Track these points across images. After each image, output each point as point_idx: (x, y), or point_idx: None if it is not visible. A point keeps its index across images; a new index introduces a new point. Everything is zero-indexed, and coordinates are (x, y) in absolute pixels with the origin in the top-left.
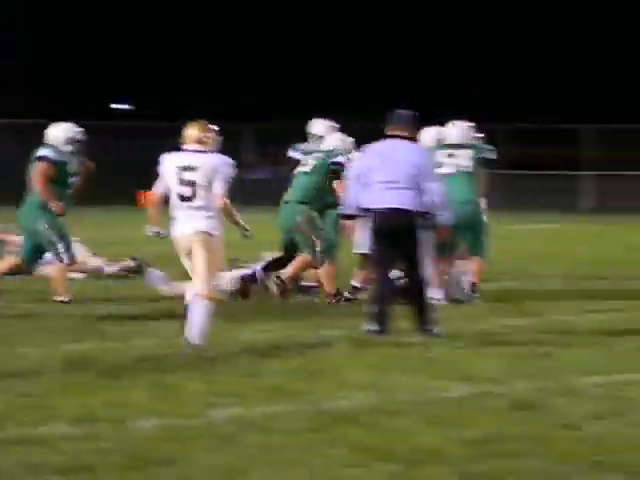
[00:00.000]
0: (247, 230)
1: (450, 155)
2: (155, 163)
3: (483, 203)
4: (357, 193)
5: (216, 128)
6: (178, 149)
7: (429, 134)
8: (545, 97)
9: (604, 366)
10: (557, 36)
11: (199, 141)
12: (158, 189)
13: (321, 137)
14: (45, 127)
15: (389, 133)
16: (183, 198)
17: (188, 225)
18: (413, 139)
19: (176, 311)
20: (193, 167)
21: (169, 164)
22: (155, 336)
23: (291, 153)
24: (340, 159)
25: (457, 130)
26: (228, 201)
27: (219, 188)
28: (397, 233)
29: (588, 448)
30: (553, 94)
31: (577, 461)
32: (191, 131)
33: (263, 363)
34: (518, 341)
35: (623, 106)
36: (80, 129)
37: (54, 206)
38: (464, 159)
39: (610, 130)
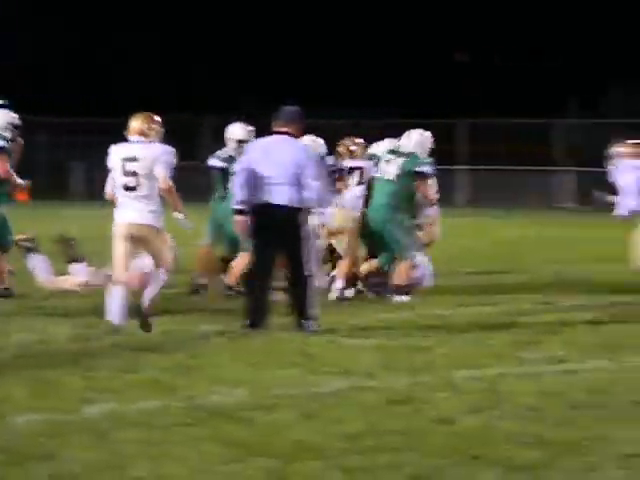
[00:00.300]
0: (184, 217)
1: (387, 161)
2: None
3: (433, 211)
4: (243, 188)
5: (159, 119)
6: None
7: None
8: (419, 92)
9: (478, 360)
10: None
11: (141, 132)
12: (110, 185)
13: (241, 142)
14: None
15: (275, 129)
16: (127, 188)
17: (130, 214)
18: (297, 136)
19: (57, 307)
20: (136, 158)
21: (114, 156)
22: (35, 332)
23: (212, 162)
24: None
25: (404, 139)
26: (173, 185)
27: (161, 172)
28: (278, 229)
29: (464, 442)
30: (427, 89)
31: (454, 455)
32: (134, 123)
33: (141, 358)
34: (395, 335)
35: (495, 101)
36: (15, 115)
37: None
38: (393, 167)
39: (485, 125)
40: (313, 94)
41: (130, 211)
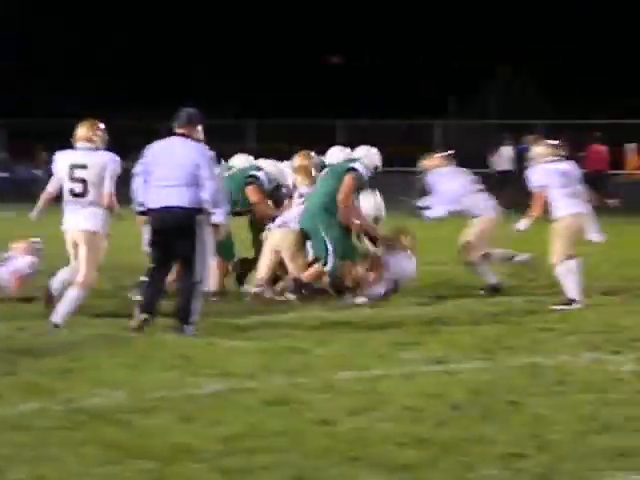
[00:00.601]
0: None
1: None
2: None
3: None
4: (142, 190)
5: (103, 126)
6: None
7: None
8: (294, 94)
9: (358, 361)
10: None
11: (88, 139)
12: (51, 186)
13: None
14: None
15: (174, 131)
16: (74, 194)
17: (75, 220)
18: (193, 137)
19: None
20: (84, 165)
21: (61, 162)
22: None
23: None
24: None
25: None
26: (114, 199)
27: (107, 186)
28: (172, 233)
29: (344, 443)
30: (302, 91)
31: (333, 456)
32: (80, 130)
33: (19, 361)
34: (273, 336)
35: (372, 102)
36: None
37: None
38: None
39: (361, 126)
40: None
41: (74, 218)
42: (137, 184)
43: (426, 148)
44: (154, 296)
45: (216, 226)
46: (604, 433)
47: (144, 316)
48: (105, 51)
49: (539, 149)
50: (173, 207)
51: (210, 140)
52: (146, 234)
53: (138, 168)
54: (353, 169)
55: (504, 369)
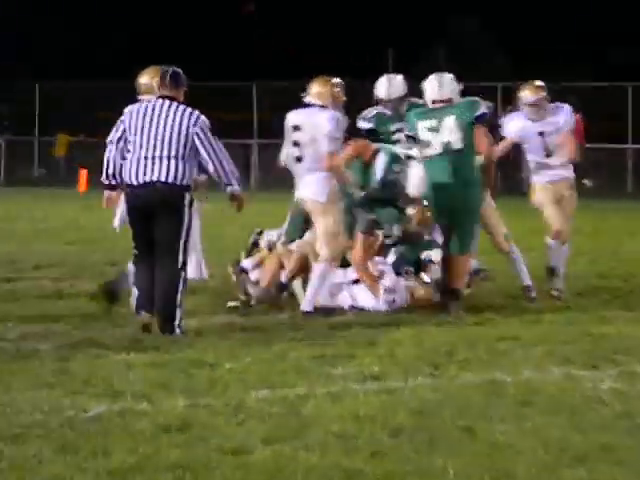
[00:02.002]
0: None
1: None
2: None
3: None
4: (116, 161)
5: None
6: None
7: None
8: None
9: (277, 377)
10: None
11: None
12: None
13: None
14: None
15: (159, 94)
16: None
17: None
18: (179, 100)
19: None
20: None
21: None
22: None
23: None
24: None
25: None
26: None
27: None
28: (153, 212)
29: (259, 477)
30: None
31: None
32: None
33: None
34: (172, 347)
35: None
36: None
37: None
38: None
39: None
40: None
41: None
42: (110, 153)
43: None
44: (149, 289)
45: (234, 197)
46: (577, 465)
47: (147, 315)
48: (105, 51)
49: None
50: (153, 183)
51: None
52: (118, 213)
53: (113, 135)
54: None
55: (456, 387)
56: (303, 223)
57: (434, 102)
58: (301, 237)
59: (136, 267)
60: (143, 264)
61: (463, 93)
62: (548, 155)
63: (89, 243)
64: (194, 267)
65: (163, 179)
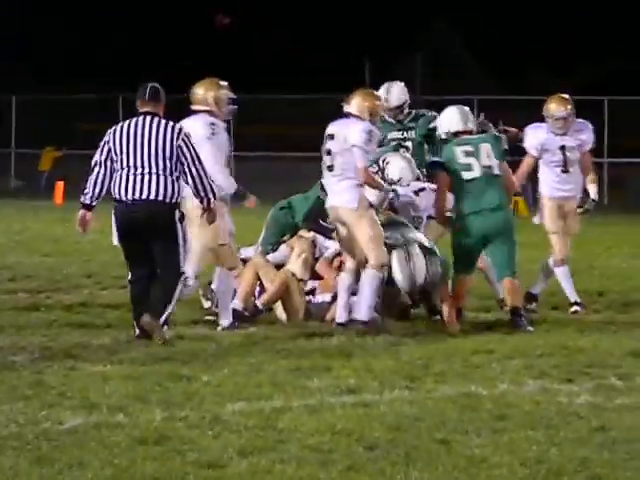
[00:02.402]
0: None
1: None
2: None
3: None
4: (104, 183)
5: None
6: None
7: None
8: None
9: (253, 390)
10: None
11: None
12: None
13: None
14: None
15: (141, 110)
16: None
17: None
18: (160, 115)
19: None
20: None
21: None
22: None
23: None
24: None
25: None
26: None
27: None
28: (144, 228)
29: None
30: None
31: None
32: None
33: None
34: (148, 359)
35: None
36: None
37: None
38: None
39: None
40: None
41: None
42: (98, 176)
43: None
44: (143, 303)
45: (208, 210)
46: (553, 479)
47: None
48: (105, 51)
49: None
50: (144, 200)
51: None
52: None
53: (98, 156)
54: None
55: (432, 400)
56: (279, 234)
57: (457, 133)
58: (275, 249)
59: (130, 282)
60: (136, 279)
61: (439, 107)
62: (565, 171)
63: (65, 255)
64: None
65: (153, 197)
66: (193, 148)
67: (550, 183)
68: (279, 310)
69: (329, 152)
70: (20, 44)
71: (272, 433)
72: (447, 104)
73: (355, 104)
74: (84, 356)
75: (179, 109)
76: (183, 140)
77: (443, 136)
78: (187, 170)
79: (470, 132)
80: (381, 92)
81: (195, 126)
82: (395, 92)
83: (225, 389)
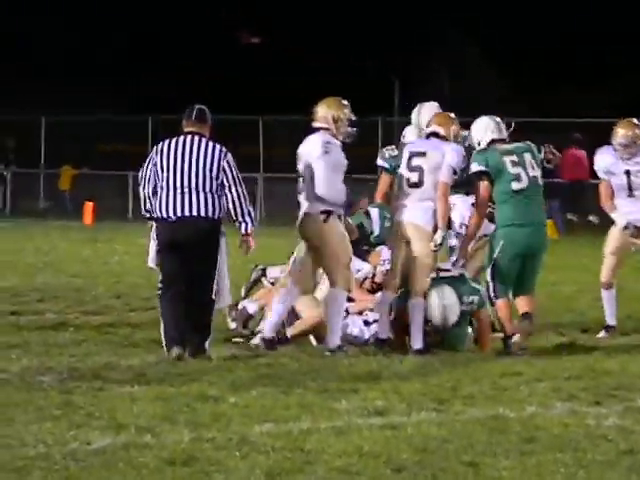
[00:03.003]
0: None
1: None
2: None
3: None
4: (148, 197)
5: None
6: None
7: None
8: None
9: (281, 412)
10: None
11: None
12: None
13: None
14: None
15: (186, 130)
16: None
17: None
18: (205, 136)
19: None
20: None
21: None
22: None
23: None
24: None
25: None
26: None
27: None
28: (187, 246)
29: None
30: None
31: None
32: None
33: None
34: (177, 381)
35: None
36: None
37: None
38: None
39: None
40: None
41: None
42: (145, 190)
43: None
44: (178, 322)
45: (246, 235)
46: None
47: (177, 351)
48: (105, 51)
49: None
50: (187, 217)
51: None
52: (152, 249)
53: (144, 171)
54: None
55: (460, 422)
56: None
57: (493, 141)
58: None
59: (164, 300)
60: (171, 297)
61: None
62: (630, 195)
63: (94, 276)
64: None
65: (196, 213)
66: (236, 170)
67: (617, 208)
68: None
69: (416, 169)
70: (20, 44)
71: (299, 455)
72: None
73: (438, 123)
74: (112, 377)
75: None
76: (227, 162)
77: (478, 145)
78: (227, 192)
79: (504, 141)
80: (414, 112)
81: (310, 143)
82: (427, 112)
83: (253, 410)
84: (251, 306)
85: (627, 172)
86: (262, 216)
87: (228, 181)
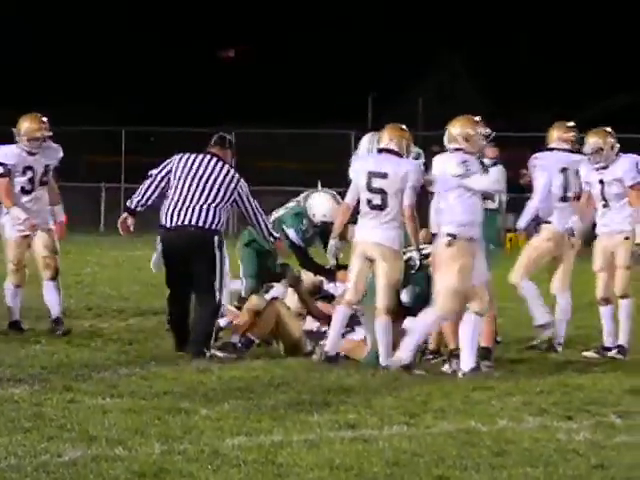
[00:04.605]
0: None
1: None
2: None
3: None
4: (150, 193)
5: None
6: None
7: None
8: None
9: (252, 424)
10: None
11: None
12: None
13: None
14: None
15: (208, 150)
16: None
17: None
18: (224, 160)
19: None
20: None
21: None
22: None
23: None
24: None
25: None
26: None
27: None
28: (183, 253)
29: None
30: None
31: None
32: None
33: None
34: (148, 393)
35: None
36: None
37: None
38: None
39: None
40: None
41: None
42: (148, 184)
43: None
44: (183, 329)
45: (277, 247)
46: None
47: (178, 350)
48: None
49: None
50: (186, 226)
51: None
52: (155, 254)
53: (156, 171)
54: None
55: (431, 436)
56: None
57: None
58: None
59: (168, 302)
60: (171, 300)
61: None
62: (605, 205)
63: (66, 287)
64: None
65: (194, 222)
66: (249, 196)
67: (598, 218)
68: (281, 344)
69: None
70: (20, 44)
71: (271, 468)
72: None
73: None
74: (84, 389)
75: None
76: (240, 189)
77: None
78: (245, 216)
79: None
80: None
81: (447, 164)
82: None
83: (224, 423)
84: (222, 320)
85: (601, 182)
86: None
87: (245, 209)
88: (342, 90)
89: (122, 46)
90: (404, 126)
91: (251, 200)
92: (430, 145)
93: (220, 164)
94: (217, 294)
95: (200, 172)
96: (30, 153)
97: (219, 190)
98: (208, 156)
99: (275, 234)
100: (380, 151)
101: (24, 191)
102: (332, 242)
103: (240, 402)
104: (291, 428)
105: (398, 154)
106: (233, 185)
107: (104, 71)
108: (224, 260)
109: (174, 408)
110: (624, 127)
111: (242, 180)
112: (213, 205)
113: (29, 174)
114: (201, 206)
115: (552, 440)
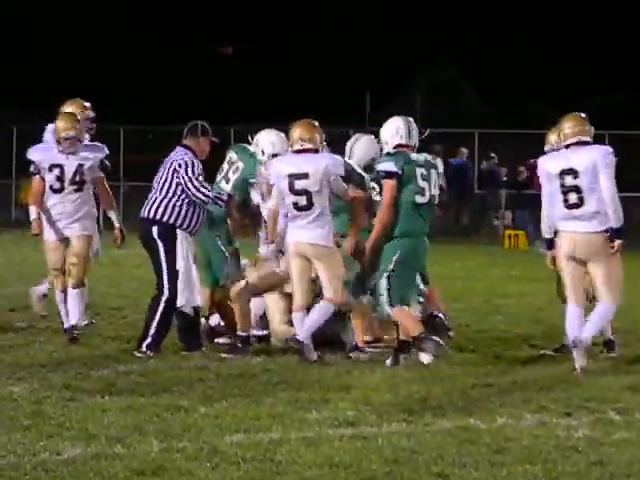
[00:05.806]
0: None
1: None
2: None
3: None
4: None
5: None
6: None
7: None
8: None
9: (251, 422)
10: None
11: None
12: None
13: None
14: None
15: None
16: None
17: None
18: (193, 149)
19: None
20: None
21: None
22: None
23: None
24: None
25: None
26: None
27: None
28: (143, 244)
29: None
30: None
31: None
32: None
33: None
34: (147, 391)
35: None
36: None
37: None
38: None
39: None
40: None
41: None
42: None
43: None
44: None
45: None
46: None
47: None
48: (105, 51)
49: None
50: (142, 218)
51: None
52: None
53: None
54: None
55: (430, 434)
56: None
57: (400, 146)
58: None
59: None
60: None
61: (441, 139)
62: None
63: None
64: (187, 295)
65: (141, 214)
66: (186, 173)
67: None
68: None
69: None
70: (20, 44)
71: (270, 465)
72: (447, 136)
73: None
74: (83, 387)
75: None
76: (178, 167)
77: (385, 144)
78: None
79: (412, 147)
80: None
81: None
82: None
83: (223, 421)
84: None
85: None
86: None
87: (185, 187)
88: (340, 88)
89: (121, 45)
90: (312, 120)
91: (193, 179)
92: (429, 144)
93: (174, 155)
94: (166, 286)
95: (161, 167)
96: (60, 150)
97: (165, 180)
98: (176, 149)
99: (222, 195)
100: (296, 152)
101: (53, 190)
102: (271, 246)
103: (239, 400)
104: (290, 425)
105: (315, 150)
106: (172, 169)
107: (104, 71)
108: (176, 251)
109: (173, 406)
110: (624, 124)
111: (186, 161)
112: (159, 197)
113: (56, 172)
114: (149, 198)
115: (551, 437)
